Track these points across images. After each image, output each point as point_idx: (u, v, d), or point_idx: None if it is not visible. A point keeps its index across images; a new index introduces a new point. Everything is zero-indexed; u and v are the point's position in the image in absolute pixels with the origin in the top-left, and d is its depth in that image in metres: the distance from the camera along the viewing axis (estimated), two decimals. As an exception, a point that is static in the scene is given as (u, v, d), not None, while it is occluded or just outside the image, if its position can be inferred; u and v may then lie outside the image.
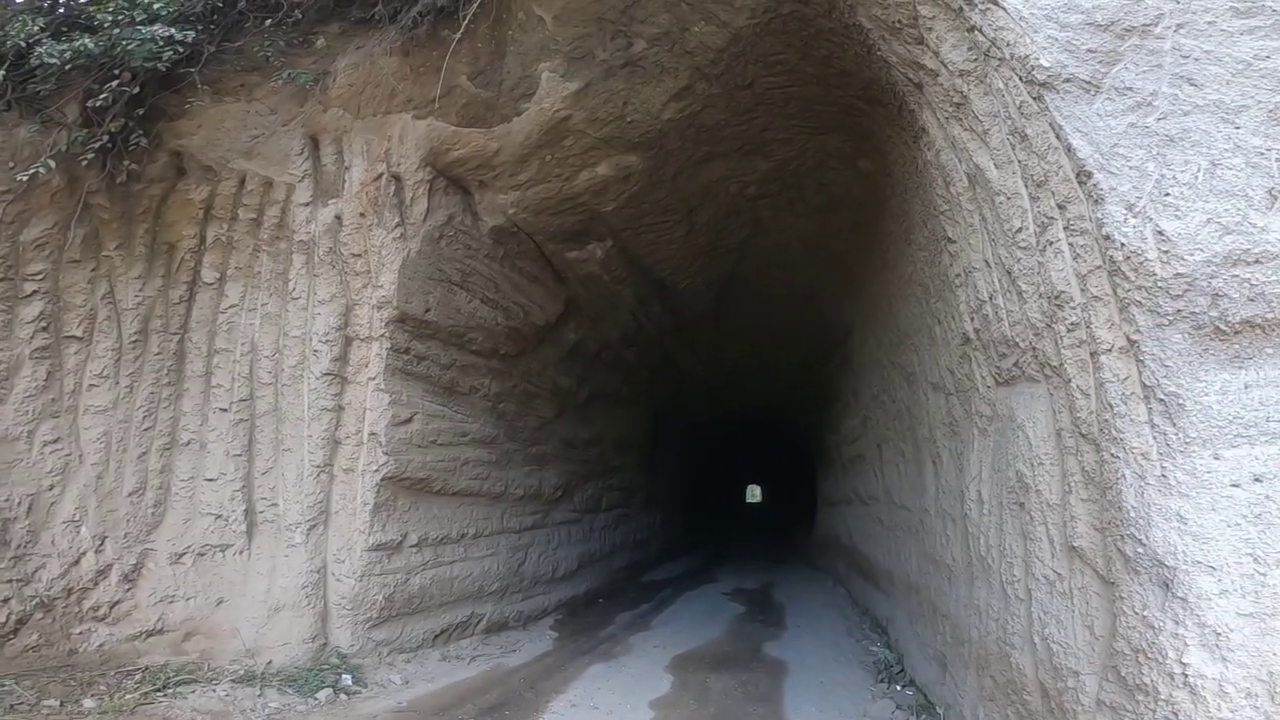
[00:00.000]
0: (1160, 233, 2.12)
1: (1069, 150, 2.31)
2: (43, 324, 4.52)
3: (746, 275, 7.88)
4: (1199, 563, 2.02)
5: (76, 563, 4.43)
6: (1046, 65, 2.32)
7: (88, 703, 3.77)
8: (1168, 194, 2.13)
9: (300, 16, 4.62)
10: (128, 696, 3.84)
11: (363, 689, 4.42)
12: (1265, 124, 2.10)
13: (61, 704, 3.69)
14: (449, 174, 5.28)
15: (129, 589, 4.57)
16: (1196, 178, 2.11)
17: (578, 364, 7.94)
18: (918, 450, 5.03)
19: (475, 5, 4.33)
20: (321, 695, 4.21)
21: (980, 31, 2.58)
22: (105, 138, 4.36)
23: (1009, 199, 2.77)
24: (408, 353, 5.24)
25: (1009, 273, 2.91)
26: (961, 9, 2.63)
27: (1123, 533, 2.20)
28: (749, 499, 32.21)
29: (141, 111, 4.50)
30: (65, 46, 4.10)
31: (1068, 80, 2.30)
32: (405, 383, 5.25)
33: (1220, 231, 2.09)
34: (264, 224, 5.10)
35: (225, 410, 4.97)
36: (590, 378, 8.39)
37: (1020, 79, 2.45)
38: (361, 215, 4.97)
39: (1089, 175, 2.26)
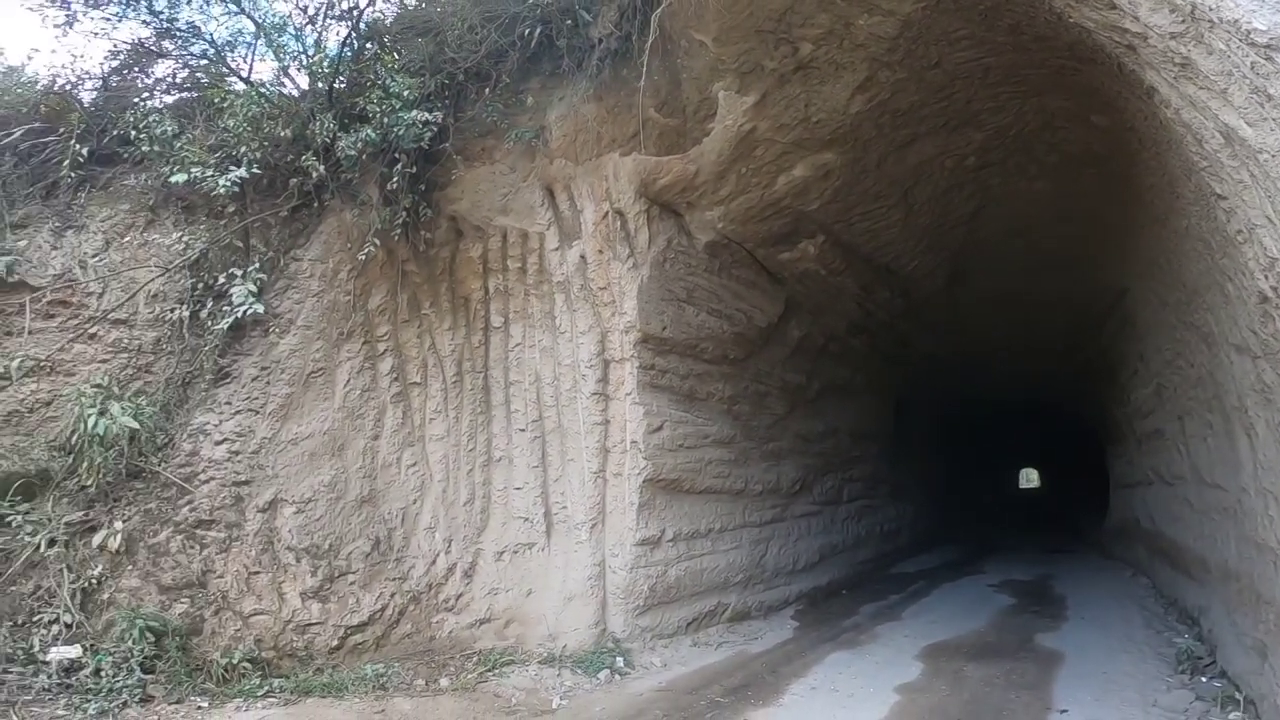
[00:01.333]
0: None
1: None
2: (394, 375, 5.79)
3: (982, 247, 7.42)
4: None
5: (434, 563, 5.63)
6: (1263, 29, 2.19)
7: (443, 681, 4.76)
8: None
9: (507, 80, 5.34)
10: (469, 676, 4.83)
11: (631, 670, 5.14)
12: None
13: (426, 683, 4.69)
14: (659, 201, 5.86)
15: (468, 583, 5.69)
16: None
17: (804, 359, 8.15)
18: (1227, 421, 4.47)
19: (649, 41, 4.66)
20: (601, 675, 4.99)
21: None
22: (404, 213, 5.35)
23: (1273, 156, 2.64)
24: (653, 368, 5.94)
25: None
26: None
27: None
28: (1022, 484, 28.86)
29: (423, 186, 5.50)
30: (354, 138, 5.03)
31: None
32: (654, 395, 5.95)
33: None
34: (528, 271, 6.03)
35: (523, 430, 6.03)
36: (819, 371, 8.53)
37: (1241, 41, 2.32)
38: (600, 252, 5.72)
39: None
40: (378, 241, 5.35)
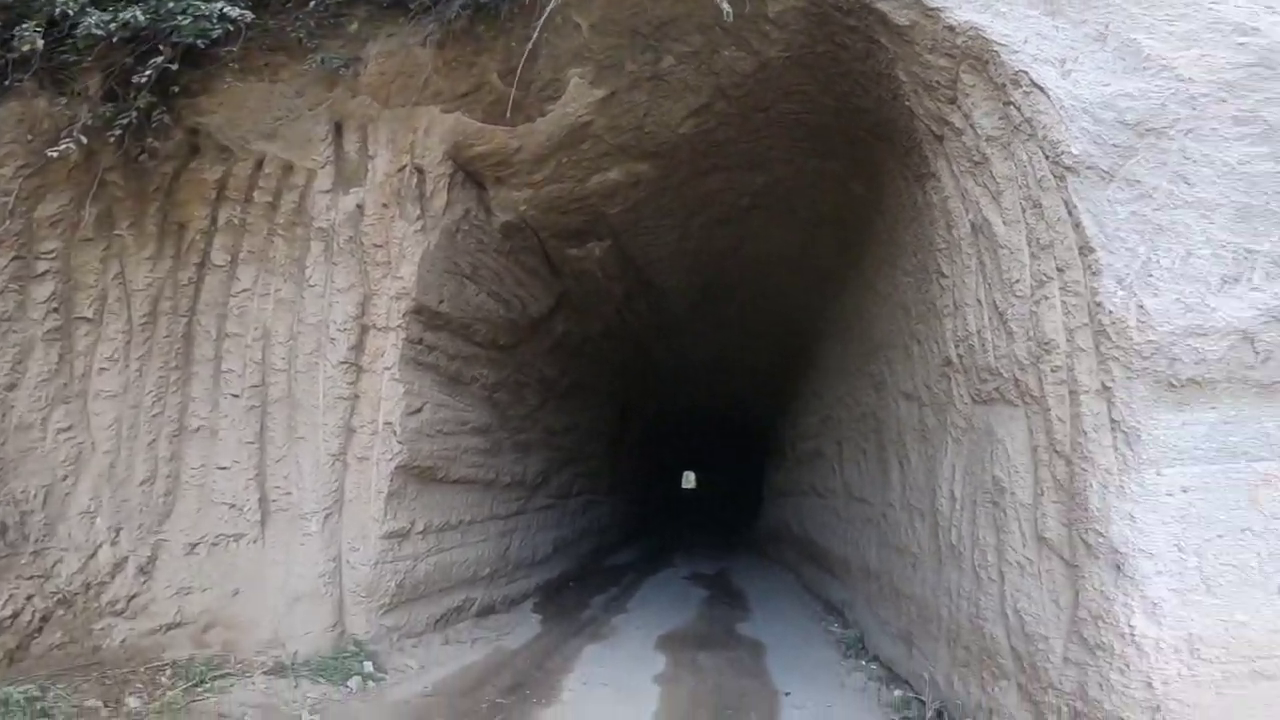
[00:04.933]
0: (1141, 307, 2.70)
1: (1078, 226, 2.85)
2: (54, 305, 4.39)
3: (729, 279, 8.38)
4: (1142, 550, 2.65)
5: (94, 555, 4.39)
6: (1075, 152, 2.84)
7: (132, 701, 3.78)
8: (1151, 274, 2.70)
9: (336, -1, 4.55)
10: (170, 694, 3.87)
11: (385, 675, 4.62)
12: (1233, 221, 2.70)
13: (104, 703, 3.70)
14: (468, 168, 5.42)
15: (145, 581, 4.55)
16: (1174, 263, 2.69)
17: (563, 355, 8.27)
18: (882, 450, 5.61)
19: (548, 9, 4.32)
20: (352, 683, 4.39)
21: (1016, 108, 3.06)
22: (134, 114, 4.23)
23: (1011, 253, 3.29)
24: (420, 343, 5.40)
25: (1000, 314, 3.46)
26: (1005, 85, 3.08)
27: (1087, 527, 2.81)
28: (684, 484, 33.06)
29: (176, 89, 4.42)
30: (111, 18, 3.94)
31: (1090, 168, 2.82)
32: (417, 373, 5.41)
33: (1184, 309, 2.68)
34: (280, 208, 5.06)
35: (237, 396, 4.98)
36: (572, 368, 8.74)
37: (1045, 156, 2.95)
38: (384, 206, 5.06)
39: (1091, 250, 2.80)
40: (84, 139, 4.10)
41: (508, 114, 4.93)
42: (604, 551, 11.25)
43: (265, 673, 4.26)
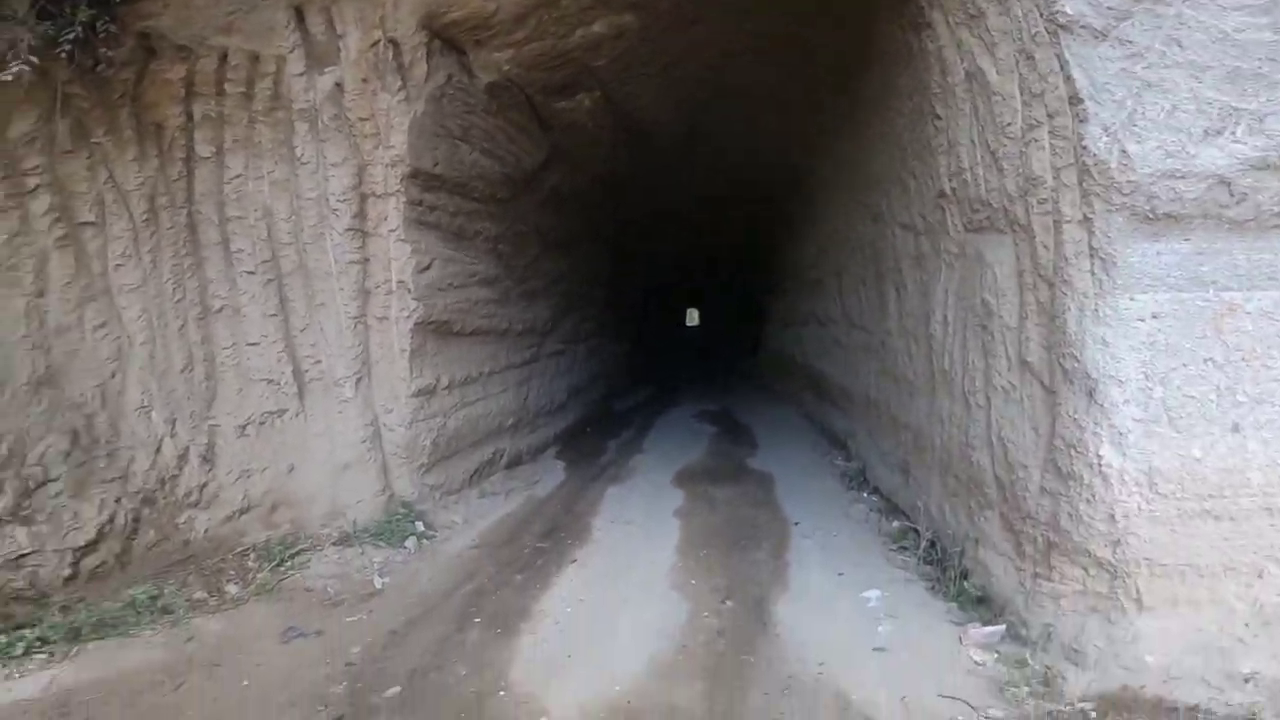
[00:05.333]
0: (1124, 151, 2.78)
1: (1068, 79, 2.88)
2: (56, 215, 4.42)
3: (721, 121, 8.15)
4: (1112, 377, 2.89)
5: (159, 450, 4.65)
6: (1070, 12, 2.82)
7: (232, 589, 4.17)
8: (1135, 124, 2.76)
9: None
10: (262, 576, 4.28)
11: (435, 533, 5.09)
12: (1221, 81, 2.71)
13: (209, 594, 4.09)
14: (444, 35, 5.21)
15: (209, 469, 4.84)
16: (1159, 115, 2.74)
17: (557, 205, 8.33)
18: (880, 279, 5.81)
19: None
20: (409, 545, 4.84)
21: None
22: (78, 29, 4.10)
23: (1004, 100, 3.36)
24: (421, 204, 5.54)
25: (992, 153, 3.54)
26: None
27: (1064, 351, 3.05)
28: (687, 323, 33.66)
29: None
30: None
31: (1084, 27, 2.81)
32: (421, 232, 5.59)
33: (1164, 155, 2.78)
34: (256, 96, 4.99)
35: (252, 273, 5.13)
36: (569, 217, 8.82)
37: (1040, 13, 2.94)
38: (364, 81, 5.01)
39: (1080, 100, 2.84)
40: (34, 60, 3.97)
41: None
42: (615, 395, 11.78)
43: (334, 544, 4.68)
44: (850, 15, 5.13)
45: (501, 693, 3.08)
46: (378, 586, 4.25)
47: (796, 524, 5.29)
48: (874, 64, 5.32)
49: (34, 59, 3.95)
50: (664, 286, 20.03)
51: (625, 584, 4.23)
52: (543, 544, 4.96)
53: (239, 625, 3.71)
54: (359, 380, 5.31)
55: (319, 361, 5.26)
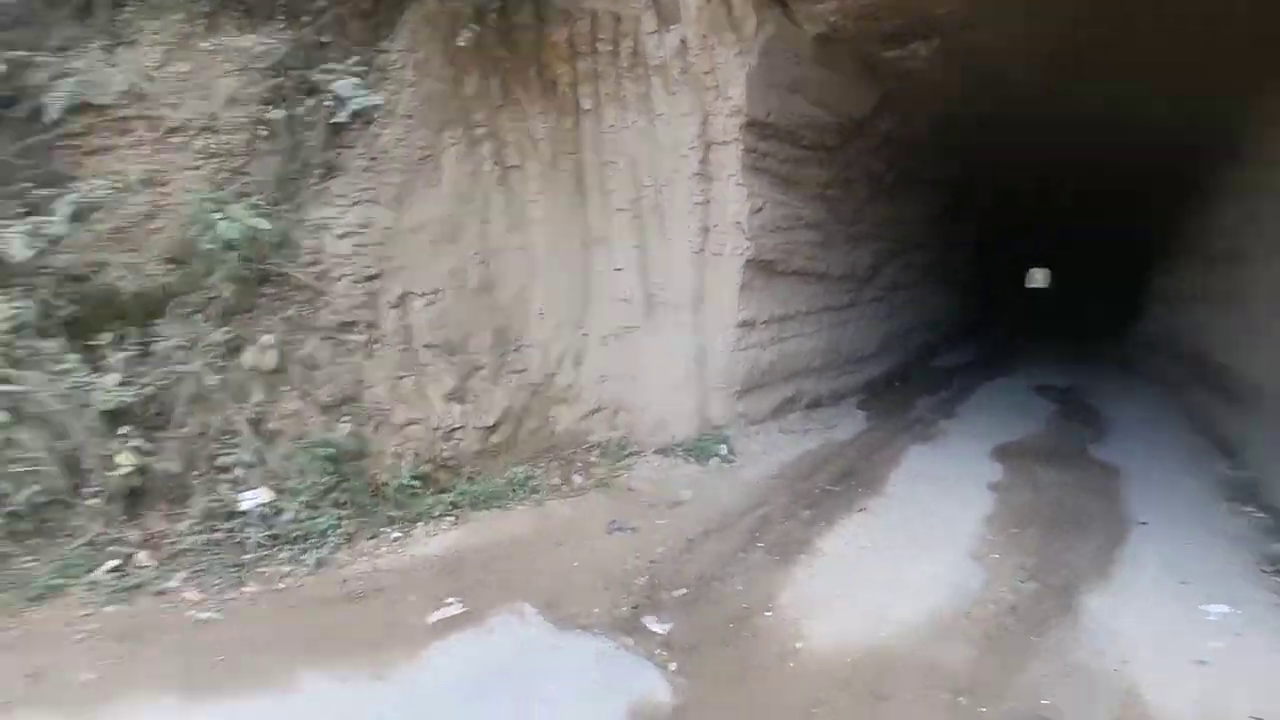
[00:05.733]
0: None
1: None
2: (494, 159, 5.55)
3: (1100, 66, 6.69)
4: None
5: (546, 351, 5.63)
6: None
7: (577, 479, 4.94)
8: None
9: None
10: (600, 471, 5.03)
11: (735, 458, 5.47)
12: None
13: (561, 480, 4.87)
14: None
15: (577, 371, 5.73)
16: None
17: (888, 150, 8.01)
18: None
19: None
20: (712, 464, 5.32)
21: None
22: None
23: None
24: (755, 151, 5.92)
25: None
26: None
27: None
28: (1029, 284, 29.22)
29: None
30: None
31: None
32: (755, 177, 6.01)
33: None
34: (620, 54, 5.72)
35: (622, 210, 5.95)
36: (898, 162, 8.40)
37: None
38: (704, 37, 5.47)
39: None
40: (476, 26, 5.03)
41: None
42: (934, 349, 10.96)
43: (655, 452, 5.40)
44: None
45: (768, 613, 3.37)
46: (684, 498, 4.83)
47: (1143, 523, 4.58)
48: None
49: (475, 25, 4.99)
50: (1009, 242, 17.56)
51: (916, 542, 4.17)
52: (834, 487, 5.07)
53: (581, 511, 4.54)
54: (694, 307, 5.94)
55: (664, 288, 5.97)
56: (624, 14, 5.52)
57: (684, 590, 3.53)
